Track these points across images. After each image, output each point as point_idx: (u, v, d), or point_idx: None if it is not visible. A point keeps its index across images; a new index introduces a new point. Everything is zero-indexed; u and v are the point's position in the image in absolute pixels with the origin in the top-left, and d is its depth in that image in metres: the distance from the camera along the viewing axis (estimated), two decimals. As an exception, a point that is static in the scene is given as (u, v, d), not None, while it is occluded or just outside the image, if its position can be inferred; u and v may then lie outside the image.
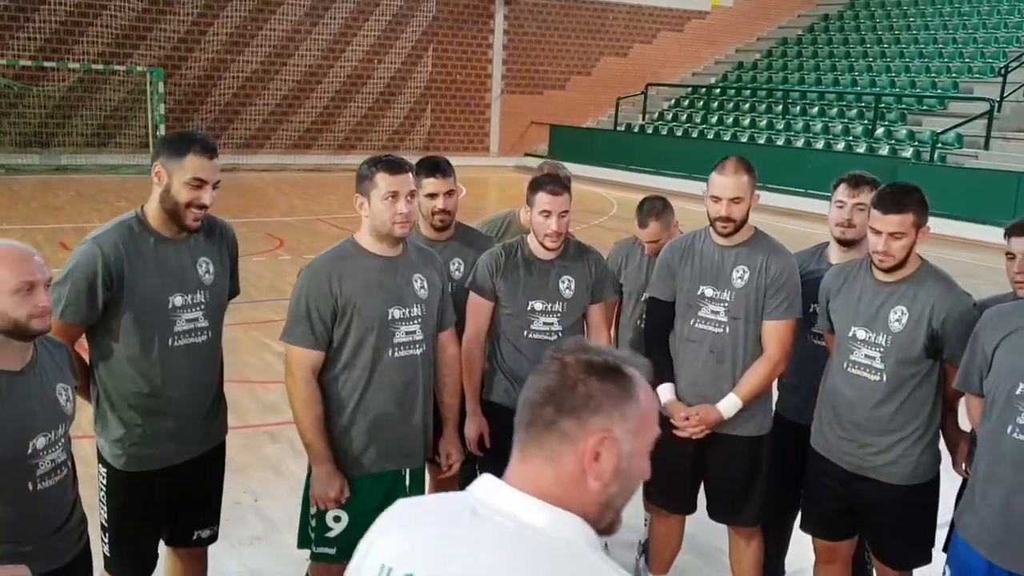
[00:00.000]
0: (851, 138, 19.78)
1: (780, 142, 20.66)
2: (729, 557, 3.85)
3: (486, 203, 15.73)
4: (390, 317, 3.14)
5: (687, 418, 3.54)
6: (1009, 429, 2.72)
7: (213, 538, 3.36)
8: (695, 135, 22.53)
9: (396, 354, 3.16)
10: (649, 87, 24.64)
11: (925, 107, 19.77)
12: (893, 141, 18.94)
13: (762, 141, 20.82)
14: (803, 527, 3.64)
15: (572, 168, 19.42)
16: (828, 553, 3.56)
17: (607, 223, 14.76)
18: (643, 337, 3.92)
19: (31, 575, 2.34)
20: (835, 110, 21.53)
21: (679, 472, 3.67)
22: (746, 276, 3.51)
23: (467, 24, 24.21)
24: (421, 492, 3.41)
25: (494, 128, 24.93)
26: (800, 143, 20.26)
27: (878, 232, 3.14)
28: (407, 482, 3.30)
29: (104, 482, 3.04)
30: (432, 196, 3.74)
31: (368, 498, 3.13)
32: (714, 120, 23.32)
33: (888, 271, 3.21)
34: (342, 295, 3.09)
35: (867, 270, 3.29)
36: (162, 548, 3.32)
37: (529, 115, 24.85)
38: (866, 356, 3.24)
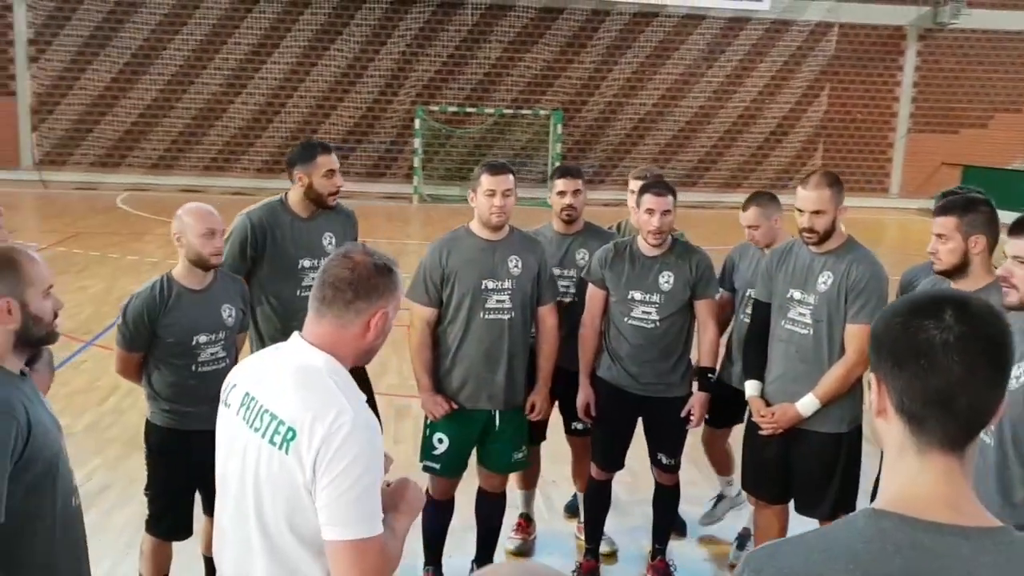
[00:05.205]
0: None
1: None
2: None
3: (881, 247, 14.67)
4: (483, 287, 3.79)
5: (764, 416, 3.72)
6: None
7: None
8: None
9: (486, 316, 3.80)
10: (1095, 123, 21.54)
11: None
12: None
13: None
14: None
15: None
16: None
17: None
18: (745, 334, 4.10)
19: (192, 429, 3.36)
20: None
21: (767, 464, 3.85)
22: (830, 281, 3.65)
23: (872, 61, 23.19)
24: (510, 432, 3.93)
25: (896, 168, 23.47)
26: None
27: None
28: (497, 422, 3.88)
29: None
30: (562, 194, 4.34)
31: (466, 431, 3.84)
32: None
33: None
34: (448, 266, 3.83)
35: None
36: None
37: (940, 155, 23.01)
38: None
